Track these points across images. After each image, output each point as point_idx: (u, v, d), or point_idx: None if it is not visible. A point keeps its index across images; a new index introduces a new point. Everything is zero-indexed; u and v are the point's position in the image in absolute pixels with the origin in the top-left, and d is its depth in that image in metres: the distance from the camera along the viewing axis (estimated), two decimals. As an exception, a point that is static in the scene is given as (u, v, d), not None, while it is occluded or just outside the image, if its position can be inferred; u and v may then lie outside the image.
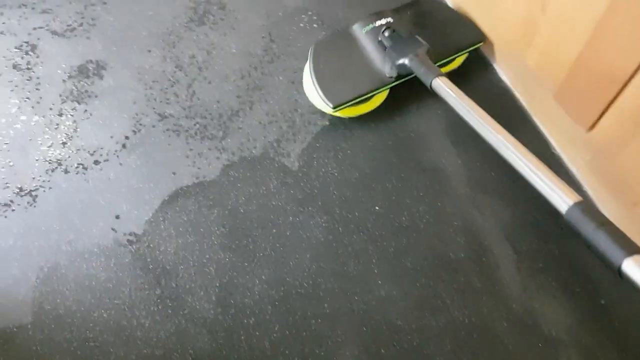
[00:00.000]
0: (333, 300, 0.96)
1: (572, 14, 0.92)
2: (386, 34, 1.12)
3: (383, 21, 1.15)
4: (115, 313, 0.95)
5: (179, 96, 1.19)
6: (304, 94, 1.19)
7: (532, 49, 1.05)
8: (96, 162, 1.11)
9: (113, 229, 1.03)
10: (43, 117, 1.17)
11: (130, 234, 1.03)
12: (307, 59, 1.15)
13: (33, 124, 1.16)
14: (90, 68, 1.24)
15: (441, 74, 1.01)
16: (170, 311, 0.95)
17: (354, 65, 1.13)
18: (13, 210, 1.06)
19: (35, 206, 1.06)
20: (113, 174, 1.10)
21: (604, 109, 0.89)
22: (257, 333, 0.93)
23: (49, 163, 1.11)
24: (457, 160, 1.10)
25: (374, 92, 1.12)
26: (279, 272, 0.98)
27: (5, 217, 1.05)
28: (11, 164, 1.11)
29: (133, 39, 1.29)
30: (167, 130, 1.15)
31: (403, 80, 1.13)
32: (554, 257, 0.99)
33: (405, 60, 1.06)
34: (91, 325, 0.94)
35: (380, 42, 1.13)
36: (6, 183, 1.09)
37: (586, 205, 0.75)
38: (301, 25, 1.34)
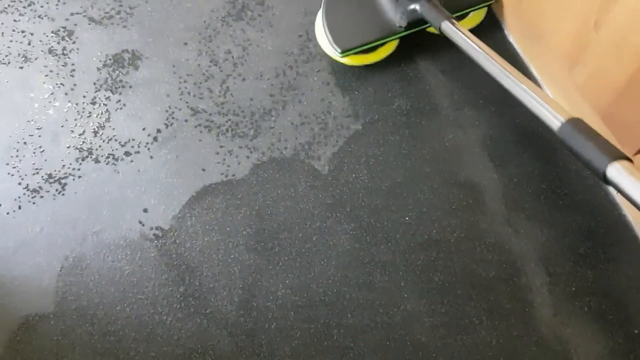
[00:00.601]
0: (357, 311, 0.93)
1: (627, 34, 0.87)
2: None
3: None
4: (138, 308, 0.93)
5: (213, 91, 1.17)
6: (338, 95, 1.16)
7: (580, 67, 1.00)
8: (127, 154, 1.10)
9: (140, 222, 1.02)
10: (76, 104, 1.16)
11: (157, 229, 1.01)
12: (321, 5, 1.18)
13: (66, 110, 1.15)
14: (126, 58, 1.22)
15: (451, 17, 1.03)
16: (192, 310, 0.93)
17: (365, 13, 1.16)
18: (41, 197, 1.05)
19: (63, 194, 1.05)
20: (143, 166, 1.08)
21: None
22: (278, 339, 0.90)
23: (80, 151, 1.10)
24: (494, 175, 1.06)
25: (382, 41, 1.15)
26: (304, 278, 0.96)
27: (34, 203, 1.04)
28: (42, 149, 1.10)
29: (170, 30, 1.27)
30: (199, 125, 1.13)
31: (412, 31, 1.16)
32: (589, 282, 0.95)
33: (416, 6, 1.09)
34: (113, 319, 0.93)
35: None
36: (36, 169, 1.08)
37: (577, 122, 0.78)
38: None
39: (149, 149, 1.10)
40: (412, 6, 1.10)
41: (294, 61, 1.22)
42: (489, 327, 0.91)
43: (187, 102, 1.16)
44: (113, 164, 1.08)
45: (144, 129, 1.13)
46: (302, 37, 1.26)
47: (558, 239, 1.00)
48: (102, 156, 1.09)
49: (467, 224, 1.01)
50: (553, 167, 1.07)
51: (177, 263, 0.98)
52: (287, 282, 0.96)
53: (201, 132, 1.12)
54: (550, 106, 0.82)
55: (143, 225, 1.02)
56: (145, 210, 1.03)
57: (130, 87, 1.18)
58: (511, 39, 1.26)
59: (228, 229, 1.01)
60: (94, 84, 1.19)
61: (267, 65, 1.21)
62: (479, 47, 0.96)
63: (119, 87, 1.18)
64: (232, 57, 1.22)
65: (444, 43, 1.12)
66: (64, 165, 1.08)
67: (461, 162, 1.08)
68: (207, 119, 1.14)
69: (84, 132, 1.12)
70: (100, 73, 1.20)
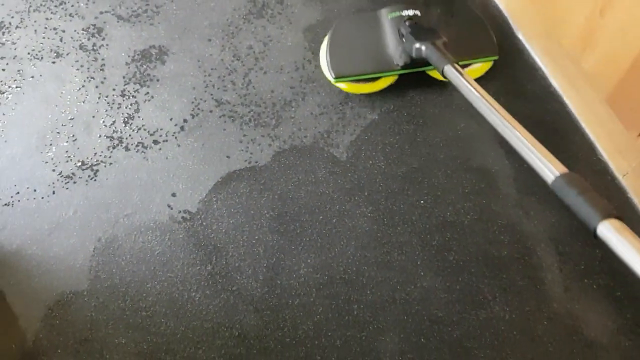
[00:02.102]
0: (376, 288, 0.95)
1: (630, 18, 0.90)
2: (407, 24, 1.14)
3: (410, 12, 1.17)
4: (168, 286, 0.96)
5: (236, 84, 1.21)
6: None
7: (588, 54, 1.03)
8: (155, 142, 1.13)
9: (169, 206, 1.05)
10: (106, 96, 1.20)
11: (184, 212, 1.04)
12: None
13: (96, 102, 1.19)
14: (153, 53, 1.26)
15: (454, 61, 1.01)
16: (219, 287, 0.96)
17: (368, 45, 1.16)
18: (74, 182, 1.08)
19: (95, 180, 1.08)
20: (171, 154, 1.11)
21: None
22: (301, 314, 0.93)
23: (111, 140, 1.13)
24: (505, 161, 1.08)
25: (378, 75, 1.14)
26: (324, 258, 0.99)
27: (67, 189, 1.08)
28: (74, 139, 1.14)
29: (194, 27, 1.30)
30: (223, 115, 1.16)
31: (408, 71, 1.15)
32: (597, 261, 0.97)
33: (421, 46, 1.07)
34: (144, 295, 0.95)
35: (399, 30, 1.15)
36: (69, 156, 1.11)
37: (570, 176, 0.79)
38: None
39: (176, 137, 1.13)
40: (417, 45, 1.08)
41: (312, 55, 1.25)
42: (502, 303, 0.93)
43: (211, 94, 1.19)
44: (142, 151, 1.12)
45: (171, 119, 1.16)
46: (319, 34, 1.29)
47: (567, 220, 1.02)
48: (132, 144, 1.13)
49: (480, 206, 1.04)
50: (561, 152, 1.09)
51: (205, 244, 1.00)
52: (309, 261, 0.98)
53: (225, 122, 1.15)
54: (546, 159, 0.83)
55: (172, 208, 1.04)
56: (173, 195, 1.06)
57: (158, 80, 1.22)
58: (520, 35, 1.29)
59: (252, 212, 1.04)
60: (123, 77, 1.22)
61: (287, 60, 1.24)
62: (481, 95, 0.95)
63: (147, 80, 1.22)
64: (254, 52, 1.26)
65: (457, 37, 1.14)
66: (95, 153, 1.12)
67: (474, 150, 1.11)
68: (231, 109, 1.17)
69: (114, 122, 1.16)
70: (129, 67, 1.24)
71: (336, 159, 1.10)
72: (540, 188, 1.05)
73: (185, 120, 1.15)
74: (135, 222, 1.03)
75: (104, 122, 1.16)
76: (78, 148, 1.12)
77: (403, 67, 1.13)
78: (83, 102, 1.19)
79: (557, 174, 0.80)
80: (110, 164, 1.10)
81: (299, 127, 1.14)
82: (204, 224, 1.02)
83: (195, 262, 0.98)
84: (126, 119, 1.16)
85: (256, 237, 1.01)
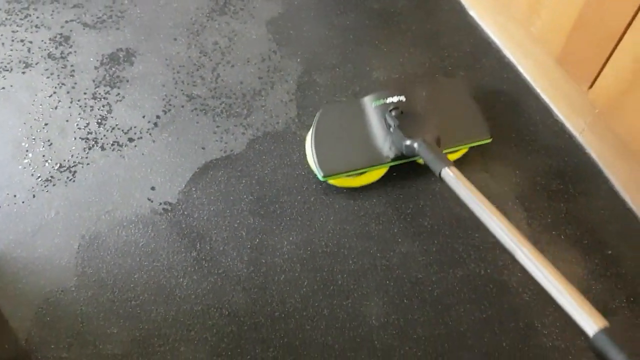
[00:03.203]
0: (357, 257, 0.98)
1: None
2: (393, 113, 1.03)
3: (395, 99, 1.06)
4: (155, 274, 0.97)
5: (205, 79, 1.22)
6: (321, 72, 1.22)
7: (535, 17, 1.08)
8: (130, 140, 1.14)
9: (149, 199, 1.06)
10: (78, 100, 1.20)
11: (165, 204, 1.05)
12: (313, 121, 1.08)
13: (69, 107, 1.19)
14: (121, 55, 1.27)
15: (451, 164, 0.90)
16: (206, 271, 0.97)
17: (355, 138, 1.05)
18: (54, 185, 1.08)
19: (74, 181, 1.09)
20: (147, 150, 1.12)
21: (602, 65, 0.92)
22: (288, 288, 0.95)
23: (86, 141, 1.14)
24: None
25: (368, 169, 1.04)
26: (306, 234, 1.01)
27: (47, 191, 1.08)
28: (50, 143, 1.14)
29: (160, 28, 1.32)
30: (195, 109, 1.18)
31: (401, 162, 1.04)
32: (563, 214, 1.01)
33: (413, 143, 0.97)
34: (132, 286, 0.96)
35: (385, 120, 1.05)
36: (46, 160, 1.11)
37: (612, 331, 0.68)
38: (312, 14, 1.37)
39: (150, 134, 1.15)
40: (407, 142, 0.98)
41: (277, 46, 1.28)
42: (477, 260, 0.97)
43: (182, 90, 1.21)
44: (118, 150, 1.12)
45: (144, 117, 1.17)
46: (282, 25, 1.32)
47: (531, 179, 1.06)
48: (107, 144, 1.13)
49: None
50: (519, 118, 1.14)
51: (188, 232, 1.02)
52: (291, 239, 1.00)
53: (198, 115, 1.17)
54: (584, 309, 0.70)
55: (152, 201, 1.06)
56: (152, 188, 1.07)
57: (128, 81, 1.23)
58: (472, 12, 1.34)
59: (231, 198, 1.06)
60: (93, 81, 1.23)
61: (253, 52, 1.27)
62: (482, 204, 0.83)
63: (117, 81, 1.23)
64: (220, 47, 1.28)
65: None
66: (72, 155, 1.12)
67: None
68: (202, 103, 1.19)
69: (88, 124, 1.16)
70: (98, 71, 1.25)
71: (308, 142, 1.13)
72: (503, 152, 1.10)
73: (158, 117, 1.17)
74: (117, 217, 1.04)
75: (77, 125, 1.16)
76: (55, 152, 1.13)
77: (395, 159, 1.03)
78: (56, 108, 1.19)
79: (597, 328, 0.68)
80: (88, 164, 1.11)
81: (270, 114, 1.17)
82: (185, 213, 1.04)
83: (180, 250, 1.00)
84: (100, 120, 1.17)
85: (238, 221, 1.03)
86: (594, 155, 1.08)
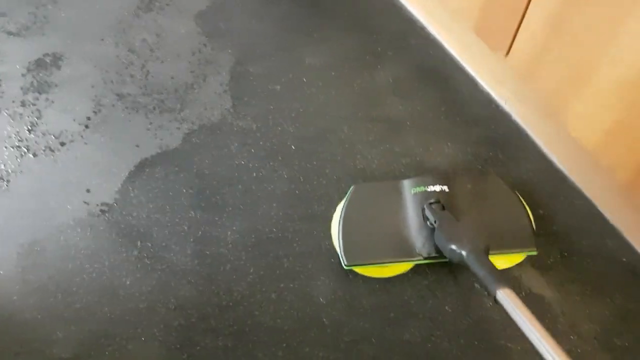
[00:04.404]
0: (302, 240, 0.98)
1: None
2: (433, 207, 0.91)
3: (437, 187, 0.94)
4: (97, 276, 0.94)
5: (134, 76, 1.20)
6: (254, 63, 1.21)
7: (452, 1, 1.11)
8: (62, 144, 1.10)
9: (85, 202, 1.03)
10: (7, 109, 1.16)
11: (102, 205, 1.02)
12: (344, 197, 0.98)
13: (-4, 117, 1.15)
14: (48, 60, 1.23)
15: (508, 284, 0.75)
16: (149, 268, 0.95)
17: (386, 226, 0.94)
18: (-14, 197, 1.04)
19: (9, 190, 1.05)
20: (80, 152, 1.09)
21: (515, 30, 0.95)
22: (234, 277, 0.94)
23: (18, 149, 1.10)
24: (399, 108, 1.15)
25: (397, 263, 0.93)
26: (249, 222, 1.00)
27: (-21, 204, 1.03)
28: (-21, 155, 1.09)
29: (86, 30, 1.28)
30: (127, 108, 1.15)
31: (434, 261, 0.90)
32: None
33: (461, 251, 0.82)
34: (75, 289, 0.93)
35: (423, 211, 0.92)
36: (-24, 173, 1.07)
37: None
38: (240, 5, 1.37)
39: (82, 136, 1.11)
40: (453, 247, 0.82)
41: (207, 39, 1.26)
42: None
43: (111, 89, 1.18)
44: (51, 155, 1.09)
45: (74, 120, 1.13)
46: (211, 18, 1.30)
47: (463, 149, 1.09)
48: (39, 150, 1.09)
49: (385, 151, 1.09)
50: (448, 92, 1.17)
51: (127, 231, 0.99)
52: (235, 228, 0.99)
53: (130, 113, 1.14)
54: None
55: (88, 204, 1.03)
56: (88, 191, 1.04)
57: (56, 85, 1.19)
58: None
59: (171, 193, 1.04)
60: (21, 88, 1.19)
61: (183, 47, 1.25)
62: (539, 332, 0.69)
63: (45, 87, 1.19)
64: (148, 43, 1.25)
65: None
66: (4, 165, 1.07)
67: (373, 103, 1.16)
68: (133, 100, 1.16)
69: (18, 132, 1.12)
70: (25, 78, 1.20)
71: (246, 131, 1.12)
72: (434, 125, 1.12)
73: (88, 118, 1.14)
74: (54, 223, 1.00)
75: (7, 134, 1.12)
76: (-16, 163, 1.08)
77: (426, 258, 0.90)
78: (-18, 118, 1.14)
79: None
80: (21, 172, 1.07)
81: (204, 107, 1.15)
82: (124, 212, 1.01)
83: (121, 250, 0.97)
84: (30, 127, 1.13)
85: (179, 216, 1.01)
86: (520, 121, 1.12)
